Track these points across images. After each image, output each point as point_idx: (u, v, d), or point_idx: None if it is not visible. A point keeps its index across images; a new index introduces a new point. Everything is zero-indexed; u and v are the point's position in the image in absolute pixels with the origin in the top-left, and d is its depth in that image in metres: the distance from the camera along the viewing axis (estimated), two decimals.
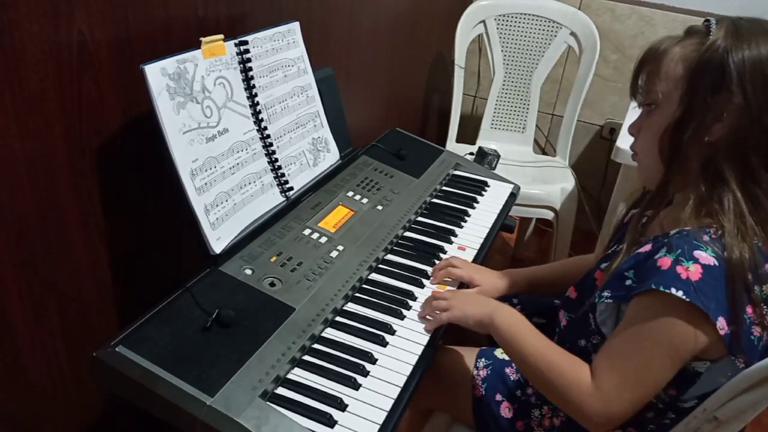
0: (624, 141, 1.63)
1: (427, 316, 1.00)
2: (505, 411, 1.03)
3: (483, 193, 1.43)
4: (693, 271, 0.76)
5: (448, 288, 1.09)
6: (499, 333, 0.93)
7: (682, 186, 0.87)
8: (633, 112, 1.81)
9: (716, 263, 0.77)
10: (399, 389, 0.87)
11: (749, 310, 0.79)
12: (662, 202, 0.90)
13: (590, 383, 0.82)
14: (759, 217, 0.80)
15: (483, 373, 1.08)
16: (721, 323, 0.76)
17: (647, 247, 0.84)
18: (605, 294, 0.87)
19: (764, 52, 0.79)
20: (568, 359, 0.86)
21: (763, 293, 0.80)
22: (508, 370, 1.07)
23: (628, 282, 0.83)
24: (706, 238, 0.79)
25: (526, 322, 0.93)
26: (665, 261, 0.78)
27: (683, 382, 0.83)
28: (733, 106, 0.79)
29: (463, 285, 1.12)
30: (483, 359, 1.09)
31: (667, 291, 0.76)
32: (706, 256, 0.77)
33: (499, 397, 1.04)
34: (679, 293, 0.75)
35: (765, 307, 0.80)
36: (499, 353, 1.09)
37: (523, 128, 2.23)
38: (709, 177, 0.83)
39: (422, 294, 1.07)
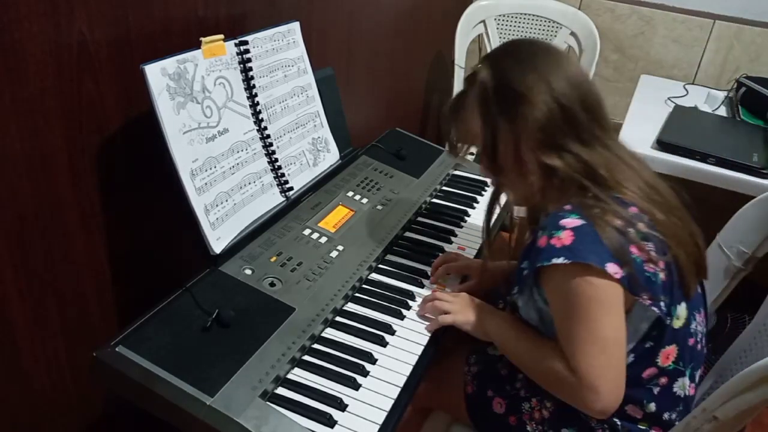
0: (624, 140, 1.63)
1: (428, 315, 1.01)
2: (497, 407, 1.04)
3: (483, 193, 1.43)
4: (564, 237, 0.83)
5: (447, 290, 1.09)
6: (494, 340, 0.99)
7: (543, 195, 0.94)
8: (632, 114, 1.82)
9: (583, 222, 0.84)
10: (399, 389, 0.88)
11: (634, 250, 0.84)
12: (494, 204, 1.05)
13: (570, 371, 0.85)
14: (597, 180, 0.88)
15: (474, 369, 1.08)
16: (613, 268, 0.81)
17: (531, 239, 0.92)
18: (514, 291, 0.96)
19: (518, 59, 0.92)
20: (552, 356, 0.88)
21: (639, 233, 0.85)
22: (498, 366, 1.07)
23: (525, 272, 0.91)
24: (567, 207, 0.87)
25: (516, 326, 0.97)
26: (542, 240, 0.86)
27: None
28: (521, 115, 0.89)
29: (463, 280, 1.13)
30: (474, 356, 1.10)
31: (550, 263, 0.83)
32: (570, 221, 0.84)
33: (490, 393, 1.05)
34: (561, 260, 0.82)
35: (645, 243, 0.85)
36: (490, 350, 1.10)
37: None
38: (542, 171, 0.91)
39: (422, 294, 1.07)
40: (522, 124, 0.90)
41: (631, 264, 0.83)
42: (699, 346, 0.95)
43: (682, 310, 0.90)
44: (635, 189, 0.89)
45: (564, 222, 0.85)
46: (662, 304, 0.86)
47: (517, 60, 0.92)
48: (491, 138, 0.93)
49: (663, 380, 0.91)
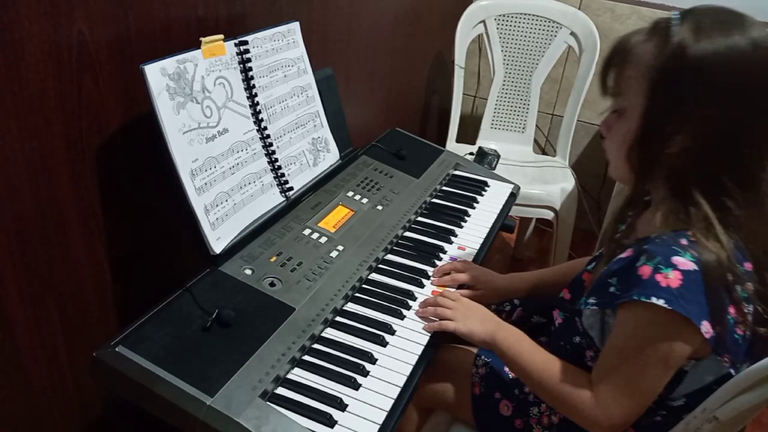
0: None
1: (430, 316, 1.00)
2: (504, 409, 1.04)
3: (483, 193, 1.43)
4: (672, 278, 0.76)
5: (448, 289, 1.09)
6: (500, 351, 0.95)
7: (655, 189, 0.86)
8: None
9: (695, 267, 0.76)
10: (399, 389, 0.87)
11: (732, 310, 0.79)
12: (636, 208, 0.89)
13: (590, 396, 0.84)
14: (729, 224, 0.79)
15: (482, 371, 1.08)
16: (706, 327, 0.76)
17: (628, 253, 0.84)
18: (591, 300, 0.87)
19: (726, 57, 0.74)
20: (568, 373, 0.88)
21: (744, 293, 0.80)
22: (506, 368, 1.07)
23: (612, 289, 0.84)
24: (684, 241, 0.78)
25: (526, 339, 0.95)
26: (645, 269, 0.78)
27: (671, 381, 0.84)
28: (697, 121, 0.77)
29: (463, 284, 1.13)
30: (482, 357, 1.09)
31: (649, 300, 0.76)
32: (684, 261, 0.76)
33: (497, 395, 1.05)
34: (660, 302, 0.75)
35: (746, 305, 0.80)
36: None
37: (523, 128, 2.23)
38: (674, 189, 0.82)
39: (422, 294, 1.07)
40: (687, 124, 0.77)
41: (725, 325, 0.77)
42: None
43: (746, 365, 0.86)
44: (758, 246, 0.81)
45: (677, 261, 0.76)
46: (739, 366, 0.82)
47: (730, 56, 0.74)
48: (646, 122, 0.79)
49: None
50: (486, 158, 1.88)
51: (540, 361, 0.91)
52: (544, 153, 2.46)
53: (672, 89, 0.77)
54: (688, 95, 0.76)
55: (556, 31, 2.08)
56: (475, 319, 0.98)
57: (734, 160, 0.78)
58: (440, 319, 0.99)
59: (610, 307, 0.85)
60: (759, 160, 0.79)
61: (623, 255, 0.85)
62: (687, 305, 0.75)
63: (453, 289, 1.10)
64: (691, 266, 0.76)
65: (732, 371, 0.81)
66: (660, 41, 0.78)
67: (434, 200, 1.37)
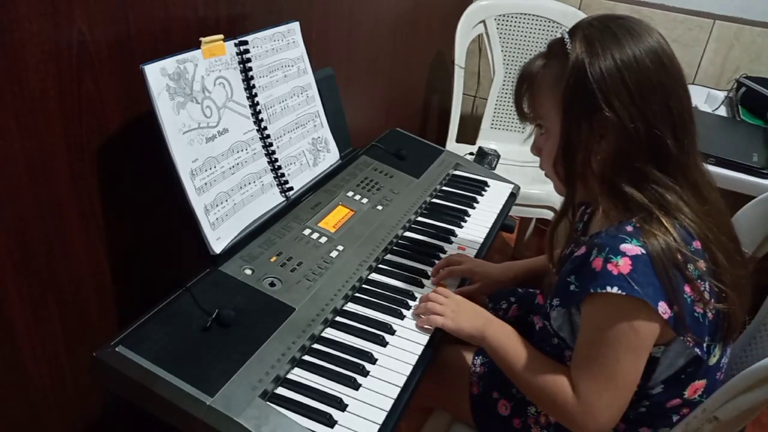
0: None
1: (420, 313, 1.01)
2: (502, 409, 1.04)
3: (483, 193, 1.43)
4: (622, 265, 0.78)
5: (447, 286, 1.09)
6: (489, 347, 0.95)
7: (594, 193, 0.90)
8: None
9: (643, 251, 0.79)
10: (399, 389, 0.87)
11: (687, 289, 0.80)
12: (574, 213, 0.94)
13: (572, 395, 0.85)
14: (668, 208, 0.83)
15: (480, 370, 1.08)
16: (663, 307, 0.78)
17: (582, 250, 0.86)
18: (554, 302, 0.90)
19: (619, 59, 0.80)
20: (552, 374, 0.88)
21: (696, 271, 0.82)
22: None
23: (572, 287, 0.86)
24: (629, 228, 0.82)
25: (516, 337, 0.95)
26: (597, 262, 0.81)
27: (645, 370, 0.85)
28: (608, 124, 0.81)
29: (463, 279, 1.13)
30: (480, 357, 1.09)
31: (605, 291, 0.78)
32: (631, 247, 0.79)
33: (495, 394, 1.05)
34: (614, 289, 0.78)
35: (701, 283, 0.82)
36: None
37: (523, 128, 2.22)
38: (606, 188, 0.87)
39: (422, 294, 1.06)
40: (602, 131, 0.82)
41: (682, 304, 0.79)
42: (722, 376, 0.92)
43: (719, 348, 0.88)
44: (703, 225, 0.83)
45: (624, 248, 0.79)
46: (705, 345, 0.84)
47: (623, 58, 0.80)
48: (565, 138, 0.85)
49: (685, 411, 0.90)
50: (486, 158, 1.88)
51: (526, 359, 0.91)
52: None
53: (580, 103, 0.82)
54: (596, 105, 0.81)
55: (556, 31, 2.08)
56: (464, 315, 0.98)
57: (652, 150, 0.82)
58: (430, 315, 0.99)
59: (573, 305, 0.87)
60: (677, 144, 0.83)
61: (579, 253, 0.87)
62: (641, 288, 0.77)
63: (450, 287, 1.10)
64: (639, 251, 0.79)
65: (698, 351, 0.83)
66: (559, 63, 0.85)
67: (434, 200, 1.37)
